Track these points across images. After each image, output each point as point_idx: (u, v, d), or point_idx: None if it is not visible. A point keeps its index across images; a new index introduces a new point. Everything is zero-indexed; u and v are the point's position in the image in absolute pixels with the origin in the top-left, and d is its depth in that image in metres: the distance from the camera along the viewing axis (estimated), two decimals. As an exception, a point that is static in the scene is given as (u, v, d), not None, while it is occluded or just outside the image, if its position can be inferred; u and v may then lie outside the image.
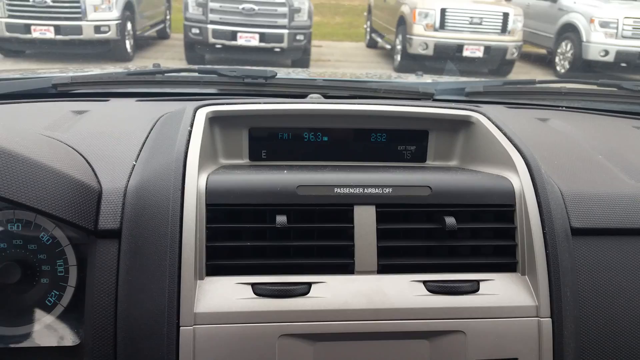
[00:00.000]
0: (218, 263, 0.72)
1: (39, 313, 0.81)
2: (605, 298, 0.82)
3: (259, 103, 0.87)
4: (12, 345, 0.79)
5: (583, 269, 0.82)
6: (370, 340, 0.70)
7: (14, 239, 0.82)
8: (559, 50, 7.53)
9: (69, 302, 0.81)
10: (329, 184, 0.74)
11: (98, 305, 0.75)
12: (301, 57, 6.66)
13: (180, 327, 0.68)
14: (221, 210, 0.73)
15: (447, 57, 6.53)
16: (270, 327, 0.69)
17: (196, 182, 0.73)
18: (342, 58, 8.12)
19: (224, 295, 0.70)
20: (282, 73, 1.44)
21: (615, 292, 0.82)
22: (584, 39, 7.02)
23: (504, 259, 0.76)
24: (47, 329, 0.81)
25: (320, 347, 0.70)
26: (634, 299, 0.83)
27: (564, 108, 1.29)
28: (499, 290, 0.74)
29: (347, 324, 0.70)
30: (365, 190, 0.75)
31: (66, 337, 0.81)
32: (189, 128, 0.79)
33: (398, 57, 7.31)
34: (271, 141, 0.90)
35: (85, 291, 0.79)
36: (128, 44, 6.76)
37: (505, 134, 0.84)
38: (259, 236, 0.74)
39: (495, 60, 6.91)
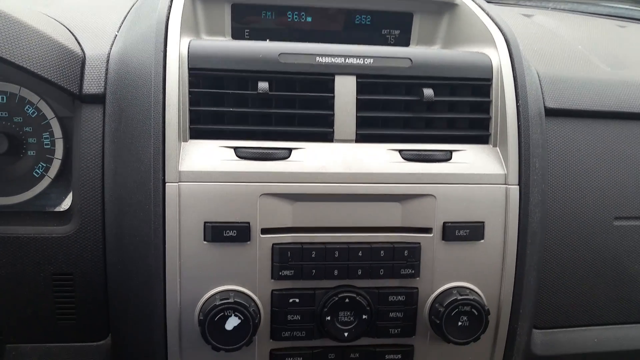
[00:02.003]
0: (201, 127, 0.74)
1: (27, 184, 0.84)
2: (572, 176, 0.86)
3: None
4: (2, 211, 0.82)
5: (554, 148, 0.86)
6: (346, 201, 0.74)
7: (-1, 111, 0.83)
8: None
9: (57, 173, 0.84)
10: (311, 53, 0.75)
11: (85, 170, 0.77)
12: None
13: (166, 183, 0.71)
14: (203, 75, 0.74)
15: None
16: (252, 186, 0.72)
17: (178, 45, 0.73)
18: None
19: (208, 156, 0.73)
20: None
21: (582, 171, 0.87)
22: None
23: (478, 131, 0.79)
24: (36, 198, 0.84)
25: (298, 206, 0.73)
26: (598, 178, 0.88)
27: (550, 8, 1.29)
28: (471, 159, 0.77)
29: (324, 185, 0.73)
30: (347, 60, 0.75)
31: (55, 204, 0.85)
32: None
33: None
34: (254, 19, 0.89)
35: (72, 163, 0.81)
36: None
37: (487, 14, 0.84)
38: (241, 103, 0.75)
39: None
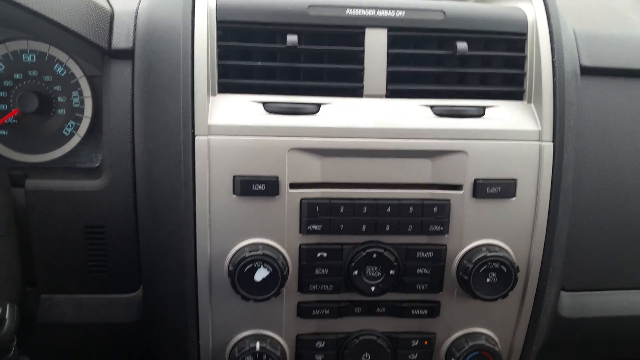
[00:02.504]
0: (229, 81, 0.74)
1: (57, 142, 0.85)
2: (607, 137, 0.84)
3: None
4: (34, 166, 0.84)
5: (589, 108, 0.83)
6: (376, 157, 0.74)
7: (29, 70, 0.84)
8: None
9: (86, 132, 0.85)
10: (341, 5, 0.74)
11: (116, 125, 0.78)
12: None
13: (196, 137, 0.71)
14: (232, 28, 0.73)
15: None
16: (281, 141, 0.72)
17: None
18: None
19: (236, 110, 0.73)
20: None
21: (617, 132, 0.85)
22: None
23: (512, 87, 0.77)
24: (66, 156, 0.85)
25: (327, 161, 0.73)
26: (634, 139, 0.85)
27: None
28: (504, 115, 0.75)
29: (353, 141, 0.73)
30: (378, 13, 0.74)
31: (86, 161, 0.86)
32: None
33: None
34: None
35: (101, 121, 0.82)
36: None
37: None
38: (270, 57, 0.75)
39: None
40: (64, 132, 0.86)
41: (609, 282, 0.88)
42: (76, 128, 0.85)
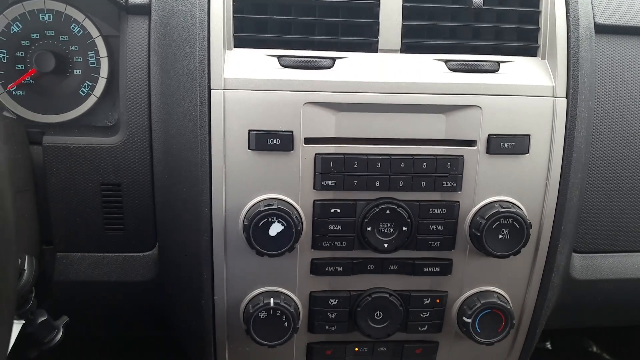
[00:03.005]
0: (245, 35, 0.74)
1: (74, 102, 0.86)
2: (621, 95, 0.84)
3: None
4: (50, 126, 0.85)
5: (603, 66, 0.83)
6: (390, 112, 0.74)
7: (46, 30, 0.85)
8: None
9: (102, 92, 0.86)
10: None
11: (132, 81, 0.79)
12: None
13: (212, 90, 0.71)
14: None
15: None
16: (296, 95, 0.72)
17: None
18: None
19: (252, 64, 0.73)
20: None
21: (631, 91, 0.84)
22: None
23: (526, 42, 0.77)
24: (83, 116, 0.86)
25: (342, 116, 0.73)
26: (648, 98, 0.85)
27: None
28: (519, 71, 0.75)
29: (368, 95, 0.73)
30: None
31: (102, 120, 0.87)
32: None
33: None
34: None
35: (117, 82, 0.82)
36: None
37: None
38: (285, 11, 0.75)
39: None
40: (80, 92, 0.86)
41: (621, 244, 0.88)
42: (92, 88, 0.86)
